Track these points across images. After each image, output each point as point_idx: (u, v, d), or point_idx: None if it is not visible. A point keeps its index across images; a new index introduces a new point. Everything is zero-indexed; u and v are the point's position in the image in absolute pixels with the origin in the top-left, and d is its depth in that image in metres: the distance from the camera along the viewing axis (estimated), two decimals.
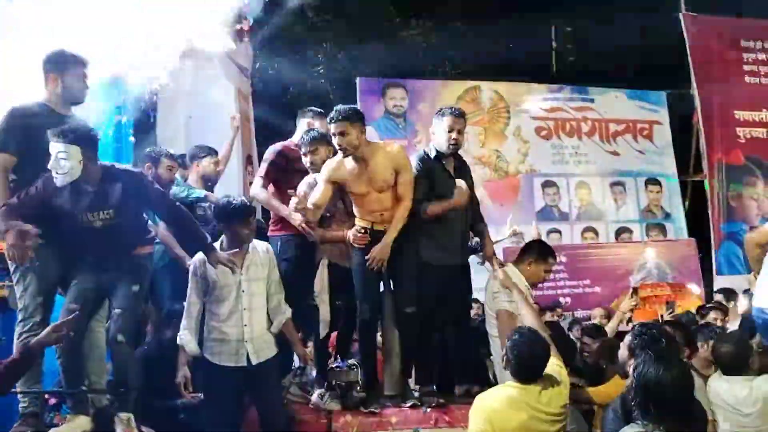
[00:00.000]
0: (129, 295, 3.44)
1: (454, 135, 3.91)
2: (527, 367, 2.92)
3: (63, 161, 3.19)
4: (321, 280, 3.99)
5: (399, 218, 3.81)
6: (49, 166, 3.21)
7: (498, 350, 3.81)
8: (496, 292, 3.80)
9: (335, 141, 3.76)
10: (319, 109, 4.47)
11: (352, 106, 3.99)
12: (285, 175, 4.14)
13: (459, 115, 3.97)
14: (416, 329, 3.89)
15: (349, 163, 3.82)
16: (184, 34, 5.65)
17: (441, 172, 4.01)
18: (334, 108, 3.79)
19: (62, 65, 3.54)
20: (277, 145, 4.29)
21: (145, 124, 6.11)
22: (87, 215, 3.32)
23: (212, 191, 4.81)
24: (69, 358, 3.36)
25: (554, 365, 3.03)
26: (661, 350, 2.58)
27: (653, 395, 2.30)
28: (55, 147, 3.19)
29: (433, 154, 4.04)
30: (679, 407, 2.30)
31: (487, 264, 4.22)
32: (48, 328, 2.96)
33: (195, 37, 5.93)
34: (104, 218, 3.34)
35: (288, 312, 3.63)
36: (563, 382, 3.01)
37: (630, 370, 2.72)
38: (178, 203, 3.83)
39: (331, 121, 3.74)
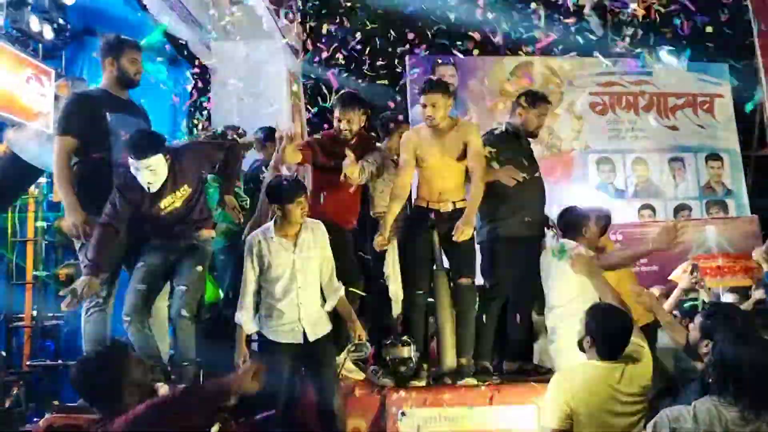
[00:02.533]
0: (192, 273, 3.57)
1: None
2: (611, 344, 2.88)
3: (153, 174, 3.37)
4: (392, 260, 4.01)
5: (476, 194, 3.83)
6: (142, 182, 3.39)
7: (558, 324, 3.74)
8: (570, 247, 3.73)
9: (426, 111, 3.81)
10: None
11: (442, 79, 4.02)
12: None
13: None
14: (473, 304, 3.90)
15: (425, 132, 3.87)
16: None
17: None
18: (427, 78, 3.85)
19: (117, 49, 3.65)
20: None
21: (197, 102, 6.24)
22: (159, 204, 3.50)
23: None
24: (140, 338, 3.49)
25: (636, 344, 2.98)
26: (739, 329, 2.53)
27: (732, 373, 2.28)
28: (144, 163, 3.33)
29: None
30: (758, 385, 2.26)
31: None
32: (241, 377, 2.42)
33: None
34: (179, 199, 3.54)
35: (341, 290, 3.66)
36: (646, 361, 2.96)
37: (703, 351, 2.66)
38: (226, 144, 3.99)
39: (423, 91, 3.83)
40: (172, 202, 3.54)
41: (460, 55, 7.24)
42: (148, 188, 3.40)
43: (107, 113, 3.57)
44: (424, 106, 3.85)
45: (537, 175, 4.18)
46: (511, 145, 4.13)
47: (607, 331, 2.89)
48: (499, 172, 3.95)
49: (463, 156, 3.89)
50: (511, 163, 3.99)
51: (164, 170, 3.42)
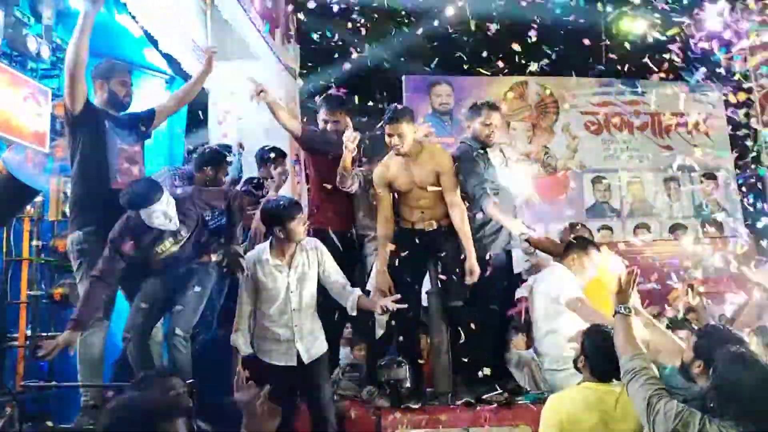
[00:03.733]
0: (190, 294, 3.58)
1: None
2: (604, 365, 2.87)
3: (165, 216, 3.41)
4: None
5: (464, 230, 3.86)
6: (157, 226, 3.43)
7: (550, 351, 3.77)
8: (563, 287, 3.75)
9: (393, 141, 3.85)
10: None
11: (405, 105, 4.05)
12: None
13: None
14: (464, 324, 3.88)
15: (395, 160, 3.88)
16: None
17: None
18: (388, 108, 3.86)
19: (107, 72, 3.70)
20: None
21: (196, 122, 6.25)
22: (157, 249, 3.54)
23: None
24: (139, 356, 3.49)
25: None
26: (737, 350, 2.51)
27: (733, 396, 2.26)
28: (158, 206, 3.37)
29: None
30: (760, 408, 2.24)
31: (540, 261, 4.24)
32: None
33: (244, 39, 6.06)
34: (176, 244, 3.56)
35: (356, 291, 3.62)
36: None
37: (695, 371, 2.65)
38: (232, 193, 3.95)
39: (388, 122, 3.83)
40: (169, 247, 3.57)
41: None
42: (165, 228, 3.45)
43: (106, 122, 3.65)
44: (390, 135, 3.86)
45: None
46: (467, 158, 4.06)
47: (602, 351, 2.87)
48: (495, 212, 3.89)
49: (436, 181, 3.91)
50: (470, 178, 3.97)
51: (173, 209, 3.45)
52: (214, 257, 3.80)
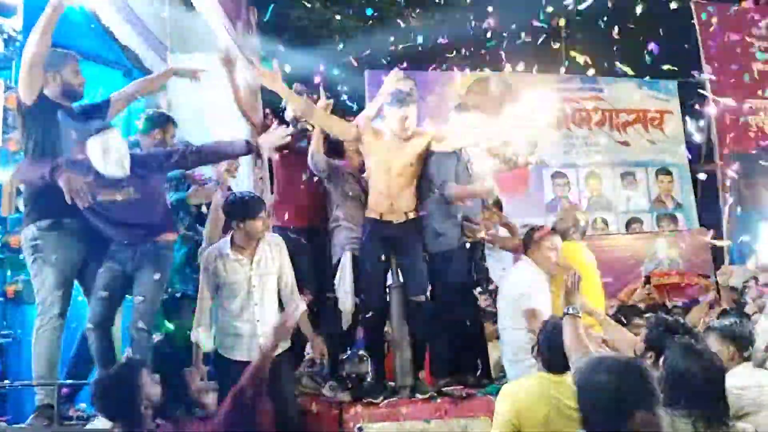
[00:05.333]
0: (150, 282, 3.52)
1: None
2: (557, 357, 2.92)
3: (106, 153, 3.39)
4: (342, 272, 4.01)
5: None
6: (95, 161, 3.40)
7: (511, 341, 3.83)
8: (524, 293, 3.80)
9: (406, 124, 3.87)
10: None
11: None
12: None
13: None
14: (426, 319, 3.92)
15: (387, 137, 3.89)
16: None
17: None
18: (393, 92, 3.93)
19: (58, 62, 3.62)
20: None
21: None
22: (108, 189, 3.43)
23: None
24: (103, 346, 3.43)
25: None
26: (686, 341, 2.58)
27: (683, 386, 2.31)
28: (98, 139, 3.39)
29: None
30: (708, 397, 2.30)
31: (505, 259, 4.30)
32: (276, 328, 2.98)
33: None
34: (124, 194, 3.47)
35: (303, 305, 3.64)
36: None
37: (649, 363, 2.72)
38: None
39: (395, 105, 3.87)
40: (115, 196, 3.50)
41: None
42: (103, 169, 3.38)
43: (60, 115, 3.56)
44: (405, 119, 3.87)
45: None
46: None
47: (554, 344, 2.92)
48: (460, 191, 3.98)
49: (416, 162, 3.95)
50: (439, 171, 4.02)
51: (119, 151, 3.41)
52: (170, 236, 3.72)
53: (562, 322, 2.77)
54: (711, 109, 7.81)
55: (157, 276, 3.54)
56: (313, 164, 4.06)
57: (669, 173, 8.30)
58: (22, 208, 3.95)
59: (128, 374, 2.69)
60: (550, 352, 2.92)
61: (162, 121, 4.34)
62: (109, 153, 3.37)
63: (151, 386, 2.69)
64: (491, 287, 4.71)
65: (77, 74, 3.70)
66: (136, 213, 3.53)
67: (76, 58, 3.75)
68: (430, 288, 3.95)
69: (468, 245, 4.12)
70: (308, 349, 4.00)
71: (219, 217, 3.93)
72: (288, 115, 4.32)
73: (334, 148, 4.29)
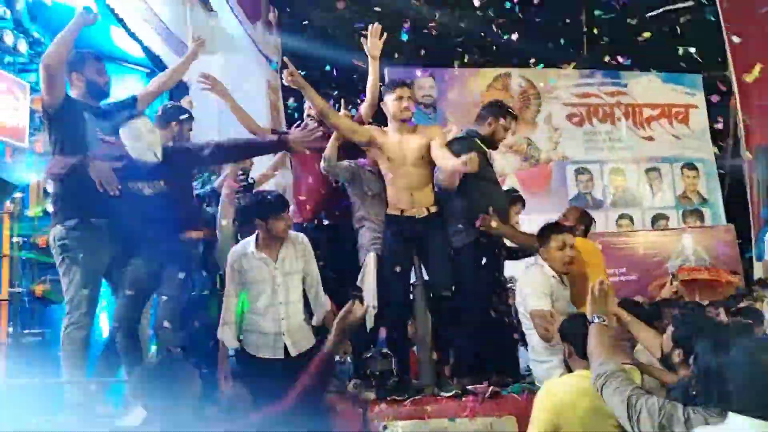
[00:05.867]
0: (175, 281, 3.55)
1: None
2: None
3: (137, 139, 3.46)
4: (368, 271, 4.00)
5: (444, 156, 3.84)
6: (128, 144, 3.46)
7: (535, 343, 3.79)
8: (527, 293, 3.76)
9: (402, 104, 3.87)
10: None
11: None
12: None
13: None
14: (451, 315, 3.89)
15: (393, 132, 3.89)
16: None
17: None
18: (391, 79, 3.91)
19: (79, 63, 3.65)
20: None
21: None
22: (137, 183, 3.46)
23: None
24: (129, 344, 3.46)
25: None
26: (715, 337, 2.51)
27: (717, 384, 2.21)
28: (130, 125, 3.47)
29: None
30: (744, 391, 2.23)
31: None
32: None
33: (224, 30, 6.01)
34: (153, 188, 3.50)
35: (327, 305, 3.65)
36: (630, 369, 2.94)
37: (675, 360, 2.66)
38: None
39: (397, 86, 3.92)
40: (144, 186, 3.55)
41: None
42: (135, 154, 3.43)
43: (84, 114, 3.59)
44: (400, 98, 3.88)
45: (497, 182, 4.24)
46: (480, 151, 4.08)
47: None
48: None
49: (427, 153, 3.90)
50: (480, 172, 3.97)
51: (150, 136, 3.46)
52: (195, 234, 3.73)
53: (590, 329, 2.72)
54: (736, 103, 7.69)
55: (182, 275, 3.57)
56: (327, 169, 4.06)
57: (695, 168, 8.18)
58: (50, 208, 4.00)
59: (169, 367, 2.55)
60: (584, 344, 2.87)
61: (179, 114, 4.31)
62: (141, 139, 3.42)
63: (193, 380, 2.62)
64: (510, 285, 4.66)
65: (101, 73, 3.72)
66: (163, 208, 3.53)
67: (99, 57, 3.78)
68: (453, 285, 3.92)
69: (487, 240, 4.08)
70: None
71: (228, 207, 3.95)
72: (307, 113, 4.35)
73: (353, 145, 4.29)
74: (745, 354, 2.18)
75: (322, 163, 4.05)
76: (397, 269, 3.87)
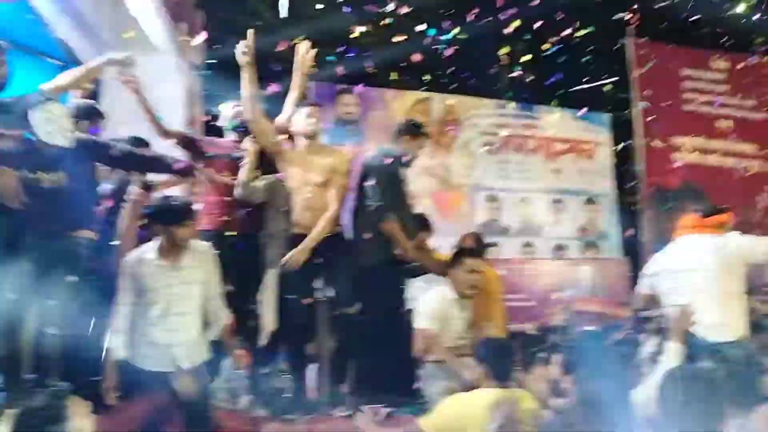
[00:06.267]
0: (63, 284, 3.36)
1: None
2: (502, 369, 2.97)
3: (50, 122, 3.27)
4: (267, 289, 3.99)
5: (321, 226, 3.89)
6: (39, 130, 3.25)
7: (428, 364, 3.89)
8: (419, 312, 3.88)
9: (310, 122, 3.99)
10: None
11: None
12: None
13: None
14: (352, 333, 3.94)
15: (301, 149, 3.96)
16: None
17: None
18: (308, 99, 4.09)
19: None
20: None
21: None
22: (36, 174, 3.29)
23: None
24: (9, 351, 3.28)
25: None
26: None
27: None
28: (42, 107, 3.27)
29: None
30: None
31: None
32: None
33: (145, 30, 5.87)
34: (52, 179, 3.31)
35: (223, 320, 3.59)
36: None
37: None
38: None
39: (311, 105, 4.09)
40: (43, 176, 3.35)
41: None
42: (46, 137, 3.25)
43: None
44: (309, 116, 4.03)
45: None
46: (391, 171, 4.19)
47: (497, 359, 2.99)
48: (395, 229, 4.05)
49: (328, 178, 4.00)
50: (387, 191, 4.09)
51: (63, 121, 3.32)
52: (89, 233, 3.52)
53: None
54: (639, 143, 8.12)
55: (70, 278, 3.41)
56: (243, 195, 4.06)
57: (596, 203, 8.60)
58: None
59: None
60: (493, 366, 2.98)
61: (91, 112, 4.20)
62: (54, 122, 3.25)
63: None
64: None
65: (1, 63, 3.50)
66: (58, 203, 3.33)
67: (1, 48, 3.52)
68: (360, 304, 3.97)
69: (396, 261, 4.18)
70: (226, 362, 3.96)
71: (133, 212, 3.85)
72: (227, 114, 4.35)
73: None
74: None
75: (236, 190, 4.03)
76: (299, 288, 3.89)
